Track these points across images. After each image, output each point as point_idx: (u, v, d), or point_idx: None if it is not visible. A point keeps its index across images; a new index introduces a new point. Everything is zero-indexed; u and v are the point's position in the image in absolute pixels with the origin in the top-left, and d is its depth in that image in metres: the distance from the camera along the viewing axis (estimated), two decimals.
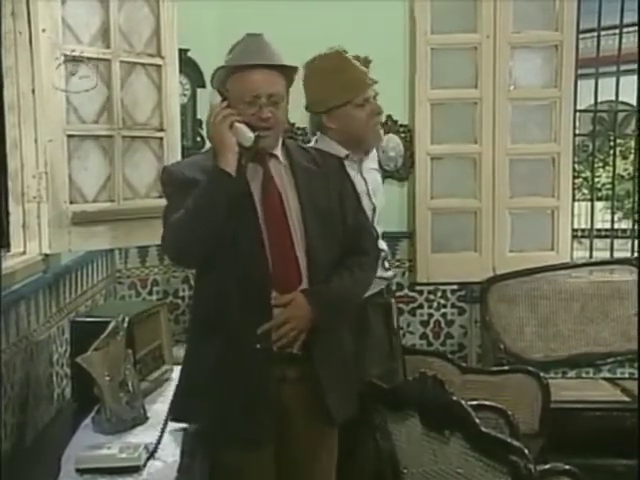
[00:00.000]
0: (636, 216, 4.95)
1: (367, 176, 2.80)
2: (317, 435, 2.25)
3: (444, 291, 4.20)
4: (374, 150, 2.93)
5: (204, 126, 2.27)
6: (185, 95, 3.78)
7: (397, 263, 3.19)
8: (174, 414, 2.22)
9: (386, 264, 2.82)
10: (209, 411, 2.15)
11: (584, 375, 4.14)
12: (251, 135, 2.12)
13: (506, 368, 3.51)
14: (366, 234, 2.38)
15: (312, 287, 2.17)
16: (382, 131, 2.93)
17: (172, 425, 2.21)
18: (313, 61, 2.80)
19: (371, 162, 2.89)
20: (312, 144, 2.78)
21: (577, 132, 4.37)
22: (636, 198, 4.66)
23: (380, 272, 2.73)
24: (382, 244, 2.80)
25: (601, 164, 7.70)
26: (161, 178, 2.27)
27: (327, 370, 2.20)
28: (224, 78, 2.19)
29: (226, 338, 2.14)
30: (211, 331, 2.17)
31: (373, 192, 2.80)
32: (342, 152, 2.70)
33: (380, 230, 2.81)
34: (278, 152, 2.24)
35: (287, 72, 2.21)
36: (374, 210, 2.78)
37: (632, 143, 5.56)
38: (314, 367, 2.18)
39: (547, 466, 2.10)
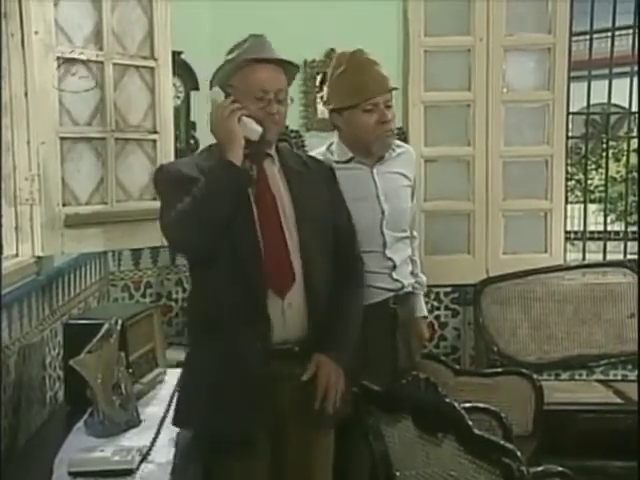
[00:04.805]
0: (629, 218, 4.97)
1: (380, 180, 2.73)
2: (315, 433, 2.26)
3: (437, 293, 4.20)
4: (401, 155, 2.82)
5: (206, 124, 2.24)
6: (179, 97, 3.78)
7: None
8: (178, 421, 2.21)
9: (394, 275, 2.75)
10: (211, 415, 2.14)
11: (577, 377, 4.13)
12: (259, 129, 2.15)
13: (499, 370, 3.50)
14: (357, 239, 2.38)
15: (326, 341, 2.17)
16: (391, 139, 2.75)
17: (166, 428, 2.21)
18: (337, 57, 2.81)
19: (391, 166, 2.79)
20: (324, 148, 2.78)
21: (570, 134, 4.38)
22: (629, 200, 4.68)
23: (385, 284, 2.72)
24: (392, 254, 2.74)
25: (594, 166, 7.73)
26: (155, 176, 2.26)
27: None
28: (230, 73, 2.19)
29: (224, 339, 2.13)
30: (209, 333, 2.16)
31: (385, 196, 2.73)
32: (348, 154, 2.71)
33: (394, 235, 2.75)
34: (273, 153, 2.25)
35: (289, 71, 2.25)
36: (383, 213, 2.72)
37: (624, 145, 5.56)
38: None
39: (540, 468, 2.09)
